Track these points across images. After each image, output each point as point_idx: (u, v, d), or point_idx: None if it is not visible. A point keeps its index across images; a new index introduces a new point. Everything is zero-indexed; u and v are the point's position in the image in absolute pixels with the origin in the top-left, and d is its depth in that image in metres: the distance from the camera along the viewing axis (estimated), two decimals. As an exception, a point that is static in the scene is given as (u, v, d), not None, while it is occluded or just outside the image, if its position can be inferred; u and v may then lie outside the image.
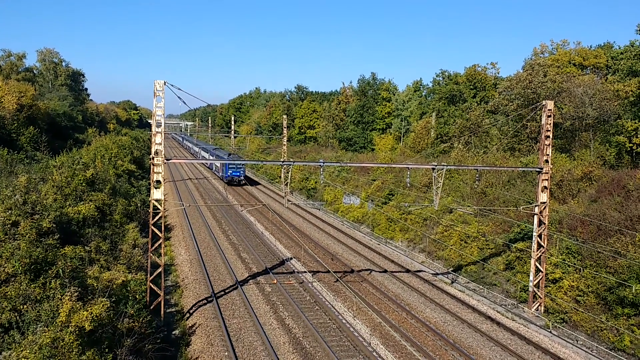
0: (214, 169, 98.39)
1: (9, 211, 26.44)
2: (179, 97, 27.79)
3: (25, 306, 18.88)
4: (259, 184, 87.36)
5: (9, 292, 19.26)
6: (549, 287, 30.93)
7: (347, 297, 31.74)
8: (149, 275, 27.13)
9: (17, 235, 24.26)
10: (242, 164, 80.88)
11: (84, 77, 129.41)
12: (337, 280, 34.66)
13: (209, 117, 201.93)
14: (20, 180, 32.01)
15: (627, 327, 25.85)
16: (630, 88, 41.89)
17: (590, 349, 26.10)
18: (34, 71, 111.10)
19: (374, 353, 24.03)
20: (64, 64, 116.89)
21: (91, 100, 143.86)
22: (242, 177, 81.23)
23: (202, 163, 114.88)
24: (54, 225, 27.30)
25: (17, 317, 18.34)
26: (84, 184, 39.96)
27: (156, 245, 27.35)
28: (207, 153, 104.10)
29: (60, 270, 21.94)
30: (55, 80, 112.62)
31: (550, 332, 27.98)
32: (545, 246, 30.55)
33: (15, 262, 20.99)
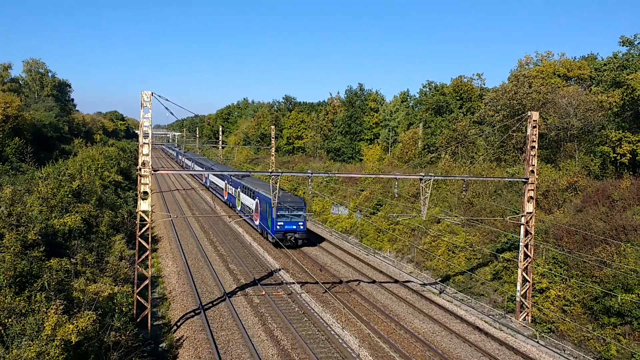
0: (238, 208, 60.87)
1: (-6, 223, 26.18)
2: (166, 107, 27.67)
3: (9, 320, 18.63)
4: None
5: (-7, 306, 19.01)
6: (536, 297, 31.10)
7: (335, 308, 31.67)
8: (135, 288, 26.88)
9: (1, 248, 24.01)
10: (302, 207, 46.99)
11: (70, 87, 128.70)
12: (326, 291, 34.59)
13: (197, 128, 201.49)
14: (5, 192, 31.77)
15: (613, 336, 26.04)
16: (613, 99, 42.53)
17: (577, 358, 26.24)
18: (20, 82, 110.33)
19: (363, 364, 23.96)
20: (50, 74, 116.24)
21: (77, 110, 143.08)
22: (304, 231, 47.28)
23: (214, 193, 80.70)
24: (40, 238, 27.05)
25: (2, 331, 18.09)
26: (70, 196, 39.69)
27: (143, 257, 27.14)
28: (224, 181, 69.53)
29: (46, 283, 21.74)
30: (42, 91, 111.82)
31: (538, 342, 28.10)
32: (531, 256, 30.76)
33: (0, 275, 20.75)
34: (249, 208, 54.49)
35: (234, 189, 63.36)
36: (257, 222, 52.10)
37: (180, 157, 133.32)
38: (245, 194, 56.58)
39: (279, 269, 40.19)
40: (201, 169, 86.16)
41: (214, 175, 77.93)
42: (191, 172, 73.83)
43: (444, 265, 39.85)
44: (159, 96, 26.32)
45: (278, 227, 45.80)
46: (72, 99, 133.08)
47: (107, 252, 35.37)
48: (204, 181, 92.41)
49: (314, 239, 51.33)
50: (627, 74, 41.94)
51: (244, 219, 57.39)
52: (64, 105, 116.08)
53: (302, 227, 46.56)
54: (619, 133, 39.86)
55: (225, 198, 69.84)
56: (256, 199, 51.22)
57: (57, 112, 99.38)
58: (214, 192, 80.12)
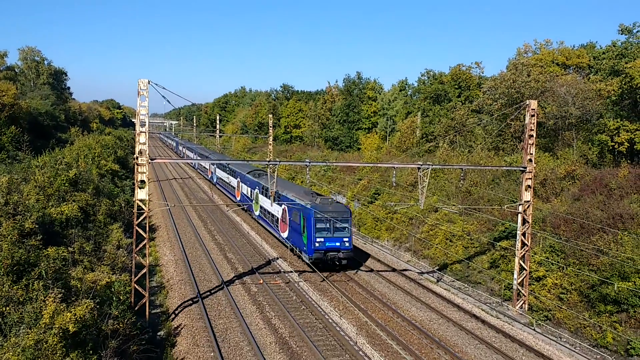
0: (256, 214, 51.09)
1: (-10, 212, 26.09)
2: (163, 96, 27.55)
3: (7, 308, 18.66)
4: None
5: (-10, 294, 19.00)
6: (533, 285, 31.23)
7: (333, 297, 31.76)
8: (133, 276, 26.91)
9: (-2, 237, 23.94)
10: (348, 218, 36.65)
11: (66, 75, 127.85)
12: (324, 279, 34.66)
13: (194, 116, 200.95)
14: (2, 181, 31.61)
15: (609, 324, 26.20)
16: (612, 87, 42.50)
17: (573, 345, 26.40)
18: (16, 70, 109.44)
19: (360, 352, 24.06)
20: (46, 62, 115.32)
21: (74, 99, 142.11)
22: (350, 249, 36.60)
23: (223, 191, 70.21)
24: (37, 226, 26.98)
25: (0, 320, 18.10)
26: (66, 184, 39.52)
27: (140, 245, 27.12)
28: (237, 178, 59.97)
29: (43, 271, 21.71)
30: (37, 79, 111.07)
31: (534, 329, 28.25)
32: (529, 244, 30.83)
33: (-3, 263, 20.72)
34: (272, 215, 44.82)
35: (250, 189, 53.32)
36: (284, 235, 41.66)
37: (180, 147, 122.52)
38: (266, 196, 46.00)
39: (277, 258, 40.23)
40: (205, 161, 73.72)
41: (221, 170, 69.10)
42: (189, 161, 71.27)
43: (441, 254, 39.95)
44: (156, 84, 26.18)
45: (317, 244, 35.47)
46: (68, 87, 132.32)
47: (105, 241, 35.34)
48: (209, 176, 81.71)
49: (358, 257, 41.67)
50: (626, 63, 41.88)
51: (262, 224, 49.19)
52: (60, 94, 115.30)
53: (347, 243, 36.13)
54: (617, 122, 39.85)
55: (238, 199, 59.32)
56: (283, 205, 40.85)
57: (53, 100, 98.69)
58: (224, 190, 69.47)
